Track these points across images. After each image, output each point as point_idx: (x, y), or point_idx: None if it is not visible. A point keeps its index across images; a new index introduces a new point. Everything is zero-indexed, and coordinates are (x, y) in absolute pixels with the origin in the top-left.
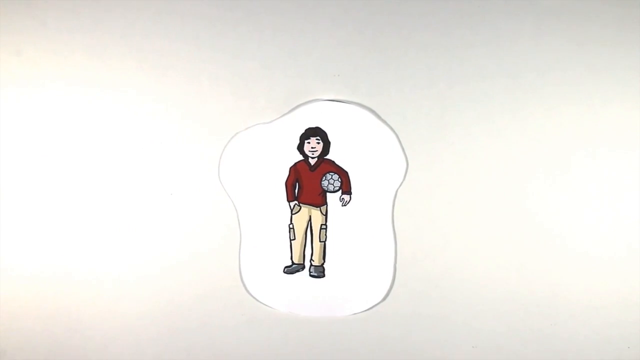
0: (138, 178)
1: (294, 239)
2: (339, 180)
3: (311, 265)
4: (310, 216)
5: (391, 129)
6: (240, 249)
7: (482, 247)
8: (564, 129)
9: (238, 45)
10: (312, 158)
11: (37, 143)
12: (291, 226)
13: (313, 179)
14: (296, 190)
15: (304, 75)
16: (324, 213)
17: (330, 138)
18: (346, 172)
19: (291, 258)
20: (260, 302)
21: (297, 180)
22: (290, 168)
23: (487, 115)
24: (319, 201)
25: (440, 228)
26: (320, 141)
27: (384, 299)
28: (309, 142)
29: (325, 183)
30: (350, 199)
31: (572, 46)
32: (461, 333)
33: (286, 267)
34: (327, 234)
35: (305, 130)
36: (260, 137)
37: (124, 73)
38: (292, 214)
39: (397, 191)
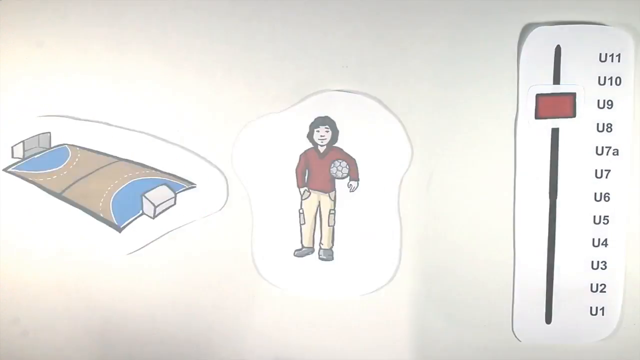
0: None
1: (304, 223)
2: (347, 167)
3: (320, 248)
4: (319, 202)
5: (397, 117)
6: (252, 234)
7: (485, 231)
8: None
9: (250, 39)
10: (322, 146)
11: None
12: (301, 211)
13: (322, 166)
14: (306, 177)
15: (314, 67)
16: (333, 199)
17: (338, 127)
18: (354, 160)
19: (301, 242)
20: (272, 284)
21: (307, 167)
22: (301, 155)
23: (491, 105)
24: (328, 187)
25: (444, 212)
26: (329, 130)
27: (390, 280)
28: (318, 131)
29: (334, 170)
30: (357, 185)
31: None
32: (475, 313)
33: (296, 250)
34: (336, 219)
35: (315, 119)
36: (272, 126)
37: (140, 64)
38: (302, 199)
39: (402, 178)
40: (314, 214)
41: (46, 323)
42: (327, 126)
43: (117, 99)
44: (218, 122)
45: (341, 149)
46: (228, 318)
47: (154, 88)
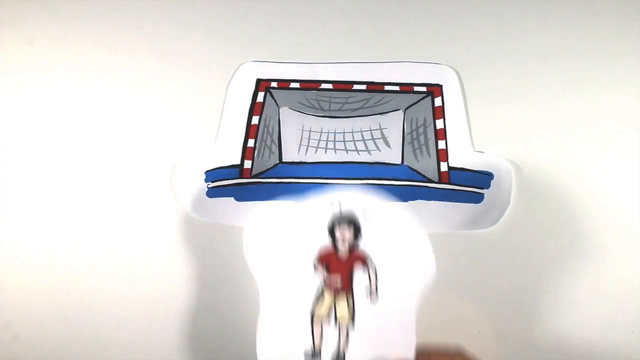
0: (151, 164)
1: (316, 325)
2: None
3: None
4: (334, 303)
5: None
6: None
7: (487, 236)
8: (568, 116)
9: (248, 35)
10: (342, 249)
11: (48, 133)
12: (314, 312)
13: (342, 266)
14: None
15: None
16: (352, 302)
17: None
18: (375, 270)
19: (313, 345)
20: None
21: (326, 265)
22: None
23: (492, 103)
24: (347, 288)
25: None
26: (351, 228)
27: None
28: (339, 229)
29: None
30: (378, 298)
31: (577, 35)
32: (466, 320)
33: (307, 355)
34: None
35: (338, 217)
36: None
37: (135, 62)
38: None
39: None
40: (327, 315)
41: (37, 327)
42: (350, 226)
43: (110, 97)
44: (216, 122)
45: (363, 253)
46: (226, 322)
47: (148, 87)
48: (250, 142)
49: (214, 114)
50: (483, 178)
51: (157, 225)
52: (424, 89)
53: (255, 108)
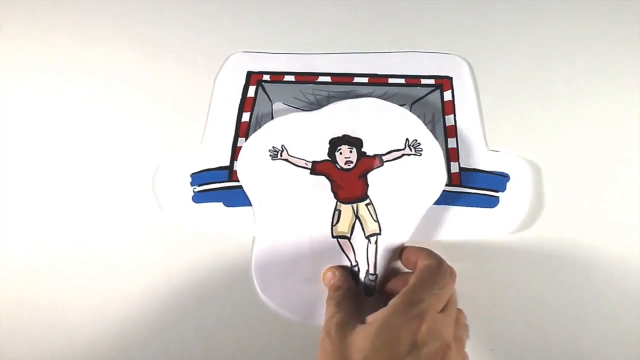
0: (131, 165)
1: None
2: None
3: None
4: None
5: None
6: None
7: (503, 243)
8: (592, 111)
9: (238, 22)
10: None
11: (20, 131)
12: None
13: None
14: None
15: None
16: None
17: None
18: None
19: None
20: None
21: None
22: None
23: (507, 97)
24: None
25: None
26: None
27: None
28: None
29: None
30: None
31: (601, 21)
32: (479, 336)
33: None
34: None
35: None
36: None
37: (112, 52)
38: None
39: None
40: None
41: (3, 344)
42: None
43: (87, 92)
44: (202, 120)
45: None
46: (209, 339)
47: (127, 80)
48: (241, 142)
49: (200, 111)
50: (498, 180)
51: (137, 234)
52: (432, 81)
53: (245, 104)
